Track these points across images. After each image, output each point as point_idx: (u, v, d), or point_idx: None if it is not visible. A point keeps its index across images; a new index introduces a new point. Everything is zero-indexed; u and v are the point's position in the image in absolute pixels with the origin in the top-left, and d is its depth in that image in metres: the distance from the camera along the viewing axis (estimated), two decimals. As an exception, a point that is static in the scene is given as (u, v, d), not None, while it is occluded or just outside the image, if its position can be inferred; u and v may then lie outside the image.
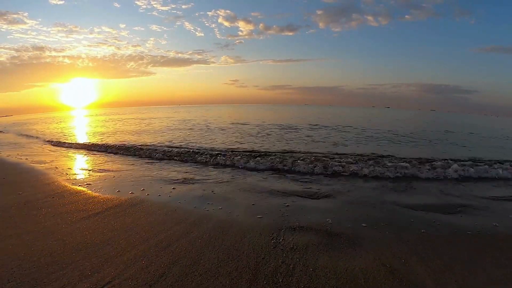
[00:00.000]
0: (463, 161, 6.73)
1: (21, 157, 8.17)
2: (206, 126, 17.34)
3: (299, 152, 8.10)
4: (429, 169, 5.91)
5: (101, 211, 3.78)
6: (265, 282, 2.23)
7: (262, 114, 34.12)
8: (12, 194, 4.53)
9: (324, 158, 6.82)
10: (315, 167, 6.16)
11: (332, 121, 22.03)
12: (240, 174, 5.92)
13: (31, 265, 2.46)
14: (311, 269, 2.40)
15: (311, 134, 12.77)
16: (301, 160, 6.65)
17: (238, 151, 8.14)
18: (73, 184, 5.17)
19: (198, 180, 5.43)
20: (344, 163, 6.28)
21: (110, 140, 11.56)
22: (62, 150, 10.04)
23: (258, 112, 40.79)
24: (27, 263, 2.50)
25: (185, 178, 5.50)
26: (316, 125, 17.54)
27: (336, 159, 6.75)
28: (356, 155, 7.44)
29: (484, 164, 6.30)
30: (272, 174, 5.94)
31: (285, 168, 6.36)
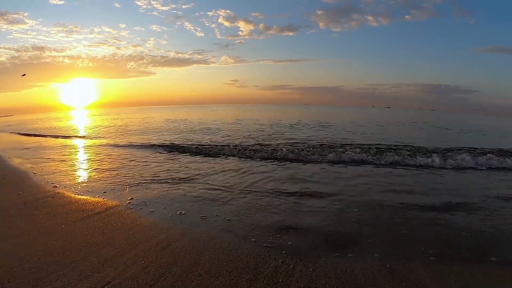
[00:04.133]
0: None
1: (21, 157, 8.17)
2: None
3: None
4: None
5: (101, 211, 3.78)
6: (265, 282, 2.23)
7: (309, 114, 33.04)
8: (12, 194, 4.53)
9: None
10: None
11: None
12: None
13: (31, 265, 2.46)
14: (311, 269, 2.40)
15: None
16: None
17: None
18: (73, 184, 5.17)
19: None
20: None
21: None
22: (63, 149, 10.05)
23: (293, 112, 39.62)
24: (27, 263, 2.50)
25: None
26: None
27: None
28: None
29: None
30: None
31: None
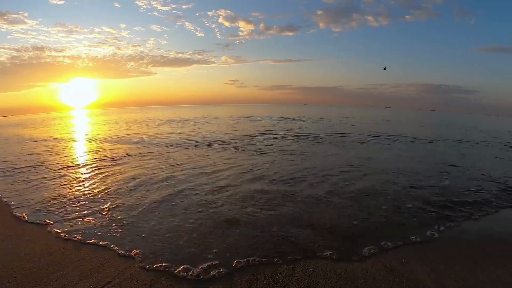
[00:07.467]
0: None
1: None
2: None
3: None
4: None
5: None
6: (265, 282, 2.23)
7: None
8: (12, 194, 4.52)
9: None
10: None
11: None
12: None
13: (32, 265, 2.46)
14: (311, 269, 2.40)
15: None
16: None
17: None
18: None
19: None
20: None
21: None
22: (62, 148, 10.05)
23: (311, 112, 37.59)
24: (27, 263, 2.50)
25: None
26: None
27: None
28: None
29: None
30: None
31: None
